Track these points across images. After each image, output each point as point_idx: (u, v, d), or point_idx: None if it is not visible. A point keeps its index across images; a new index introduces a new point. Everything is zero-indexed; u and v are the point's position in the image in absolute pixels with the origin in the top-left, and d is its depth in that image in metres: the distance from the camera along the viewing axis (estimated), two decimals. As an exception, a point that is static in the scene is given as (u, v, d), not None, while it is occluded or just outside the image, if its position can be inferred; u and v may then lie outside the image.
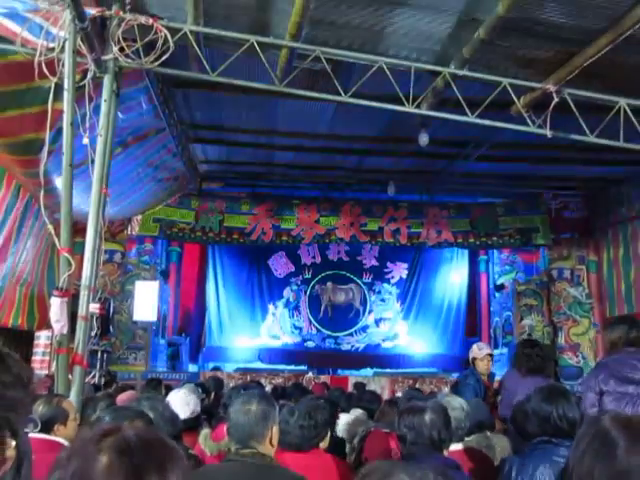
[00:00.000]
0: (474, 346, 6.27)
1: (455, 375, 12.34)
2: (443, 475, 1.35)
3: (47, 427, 3.25)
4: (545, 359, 6.30)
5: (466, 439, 3.80)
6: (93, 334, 5.65)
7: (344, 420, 5.20)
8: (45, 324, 8.93)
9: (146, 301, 11.64)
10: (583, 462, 1.68)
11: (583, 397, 3.75)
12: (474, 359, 6.02)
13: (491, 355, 6.19)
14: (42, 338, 10.21)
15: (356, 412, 5.48)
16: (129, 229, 11.99)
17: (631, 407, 3.68)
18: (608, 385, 3.69)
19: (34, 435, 3.13)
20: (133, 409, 2.98)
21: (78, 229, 5.25)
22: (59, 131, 5.14)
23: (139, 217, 11.86)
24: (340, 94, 6.06)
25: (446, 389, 9.72)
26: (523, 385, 5.02)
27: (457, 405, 3.55)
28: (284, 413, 3.27)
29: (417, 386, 11.50)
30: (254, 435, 2.62)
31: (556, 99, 6.22)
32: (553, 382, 4.55)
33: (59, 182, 6.14)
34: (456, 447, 3.50)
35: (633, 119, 6.28)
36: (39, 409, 3.27)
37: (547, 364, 6.61)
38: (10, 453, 1.36)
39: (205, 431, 4.69)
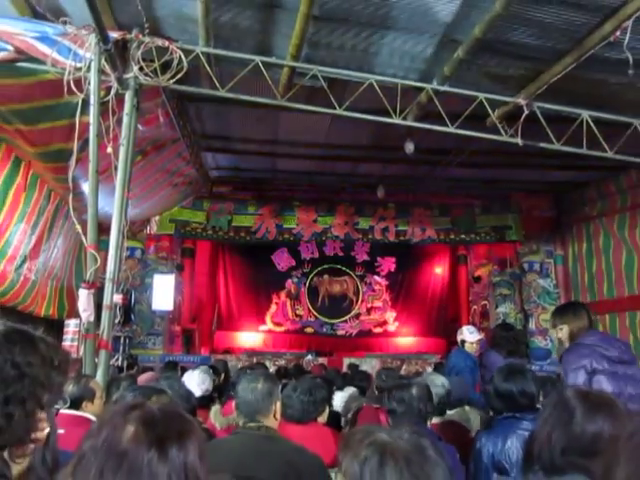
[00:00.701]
0: (464, 329, 6.02)
1: (437, 357, 12.39)
2: (417, 433, 1.37)
3: (76, 404, 3.26)
4: (519, 342, 6.46)
5: (448, 412, 3.83)
6: (117, 322, 5.63)
7: (339, 397, 5.23)
8: (73, 313, 8.93)
9: (163, 292, 11.65)
10: (544, 428, 1.70)
11: (571, 375, 3.50)
12: (463, 341, 5.86)
13: (480, 341, 6.02)
14: (71, 325, 10.20)
15: (350, 390, 5.51)
16: (148, 228, 11.97)
17: (632, 388, 3.45)
18: (601, 364, 3.47)
19: (64, 411, 3.15)
20: (153, 387, 2.99)
21: (103, 229, 5.25)
22: (86, 141, 5.13)
23: (157, 218, 11.86)
24: (335, 108, 6.06)
25: (429, 369, 9.73)
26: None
27: (439, 383, 3.57)
28: (288, 389, 3.30)
29: (404, 366, 11.56)
30: (260, 410, 2.63)
31: (526, 111, 6.22)
32: (515, 361, 4.46)
33: (86, 187, 6.14)
34: (436, 420, 3.53)
35: (594, 129, 6.28)
36: (69, 388, 3.28)
37: (520, 346, 6.66)
38: (44, 430, 1.37)
39: (216, 407, 4.72)
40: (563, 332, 3.78)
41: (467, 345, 5.85)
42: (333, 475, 2.67)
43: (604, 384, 3.38)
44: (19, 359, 1.29)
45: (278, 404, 2.71)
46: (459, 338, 5.95)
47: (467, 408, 3.98)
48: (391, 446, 1.30)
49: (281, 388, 3.11)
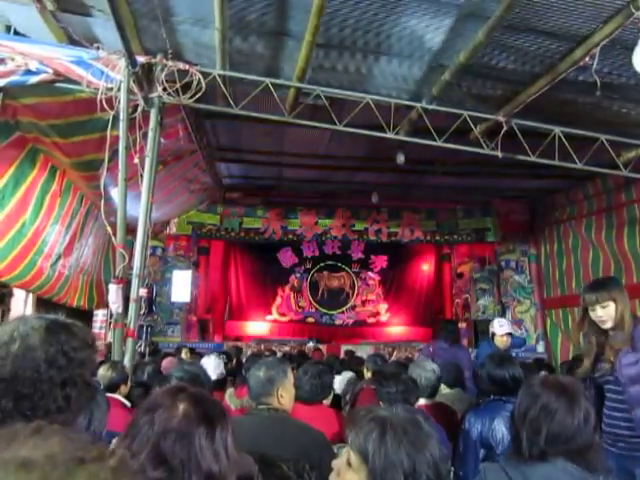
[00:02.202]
0: (495, 321, 5.41)
1: (424, 344, 12.40)
2: (411, 411, 1.40)
3: (115, 387, 3.28)
4: (458, 333, 6.50)
5: (444, 392, 3.84)
6: (141, 313, 5.65)
7: (338, 380, 5.23)
8: (102, 304, 8.96)
9: (181, 286, 11.64)
10: (521, 403, 1.72)
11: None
12: (493, 334, 5.29)
13: (510, 334, 5.32)
14: (99, 315, 10.23)
15: (347, 374, 5.50)
16: (168, 229, 11.98)
17: None
18: None
19: (100, 393, 3.17)
20: (192, 371, 2.98)
21: (128, 230, 5.27)
22: (114, 152, 5.15)
23: (176, 220, 11.87)
24: (336, 124, 6.07)
25: (417, 354, 9.73)
26: (448, 352, 5.80)
27: (429, 368, 3.57)
28: (299, 372, 3.29)
29: (395, 353, 11.56)
30: (261, 394, 2.65)
31: (505, 127, 6.25)
32: (496, 352, 4.26)
33: (114, 193, 6.17)
34: (427, 402, 3.53)
35: (566, 143, 6.29)
36: (108, 373, 3.30)
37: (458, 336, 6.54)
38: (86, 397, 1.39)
39: (230, 390, 4.73)
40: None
41: (496, 338, 5.28)
42: (336, 449, 2.69)
43: None
44: (66, 347, 1.31)
45: (281, 389, 2.71)
46: (490, 330, 5.42)
47: (458, 390, 3.99)
48: (390, 420, 1.33)
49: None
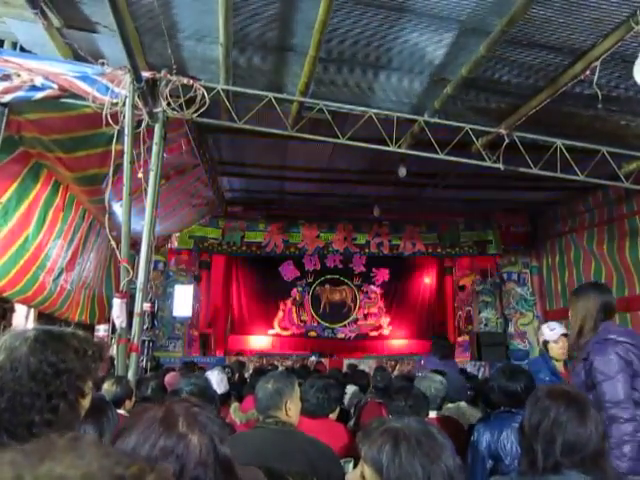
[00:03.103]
0: (544, 327, 4.22)
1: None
2: (422, 422, 1.40)
3: (120, 402, 3.26)
4: (450, 349, 6.53)
5: (449, 405, 3.82)
6: (145, 327, 5.64)
7: (343, 394, 5.21)
8: (103, 319, 8.93)
9: (183, 300, 11.64)
10: (531, 417, 1.72)
11: (614, 380, 2.65)
12: (546, 342, 4.13)
13: (566, 335, 4.01)
14: (101, 330, 10.18)
15: (351, 388, 5.48)
16: (169, 244, 12.00)
17: None
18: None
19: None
20: (200, 385, 2.97)
21: (130, 244, 5.27)
22: (117, 167, 5.17)
23: (177, 234, 11.89)
24: (339, 137, 6.10)
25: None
26: (438, 367, 5.51)
27: (437, 379, 3.56)
28: (306, 385, 3.27)
29: (397, 367, 11.50)
30: (270, 407, 2.63)
31: (507, 140, 6.28)
32: (551, 365, 4.03)
33: (117, 207, 6.18)
34: (433, 414, 3.51)
35: (567, 155, 6.32)
36: (113, 388, 3.28)
37: (451, 352, 6.59)
38: (82, 409, 1.37)
39: (235, 404, 4.70)
40: (570, 317, 2.96)
41: (550, 346, 4.05)
42: (342, 463, 2.67)
43: None
44: (53, 358, 1.29)
45: (289, 402, 2.70)
46: (541, 340, 4.23)
47: (462, 404, 3.97)
48: (403, 431, 1.32)
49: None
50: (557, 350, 3.99)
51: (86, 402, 1.37)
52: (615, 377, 2.67)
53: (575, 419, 1.64)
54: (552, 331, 4.08)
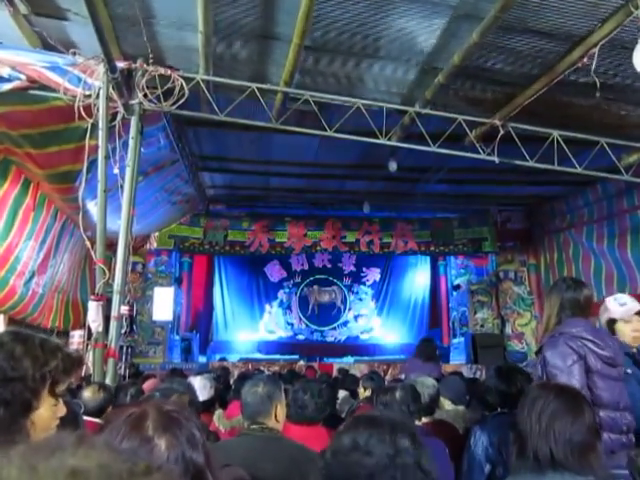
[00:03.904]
0: (610, 301, 3.22)
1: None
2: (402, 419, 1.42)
3: (103, 410, 3.24)
4: (435, 351, 6.68)
5: (448, 409, 3.83)
6: (123, 332, 5.61)
7: (333, 399, 5.21)
8: (78, 324, 8.87)
9: (163, 304, 11.56)
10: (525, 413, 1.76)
11: (564, 375, 2.63)
12: (612, 321, 3.18)
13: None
14: (76, 336, 10.10)
15: (341, 393, 5.48)
16: (148, 244, 11.93)
17: (624, 398, 2.69)
18: (595, 364, 2.66)
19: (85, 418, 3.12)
20: (176, 389, 2.97)
21: (106, 245, 5.24)
22: (91, 163, 5.14)
23: (157, 234, 11.82)
24: (326, 130, 6.11)
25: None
26: (423, 369, 5.83)
27: (429, 384, 3.56)
28: (299, 391, 3.24)
29: (390, 370, 11.53)
30: (261, 412, 2.61)
31: (502, 132, 6.33)
32: (506, 365, 4.22)
33: (91, 206, 6.14)
34: (426, 419, 3.53)
35: (564, 147, 6.38)
36: (97, 395, 3.26)
37: (436, 354, 6.83)
38: (34, 425, 1.36)
39: (219, 411, 4.69)
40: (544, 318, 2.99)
41: (620, 328, 3.14)
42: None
43: (602, 390, 2.64)
44: (4, 363, 1.28)
45: (279, 407, 2.70)
46: (603, 319, 3.26)
47: (461, 408, 3.98)
48: (378, 417, 1.36)
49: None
50: (629, 333, 3.09)
51: (40, 418, 1.35)
52: (566, 370, 2.66)
53: (569, 412, 1.68)
54: (623, 307, 3.14)
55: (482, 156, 6.53)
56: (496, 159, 6.41)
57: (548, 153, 6.43)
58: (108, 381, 4.63)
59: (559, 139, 6.39)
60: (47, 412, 1.36)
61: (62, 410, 1.40)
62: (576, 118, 6.46)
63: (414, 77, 5.85)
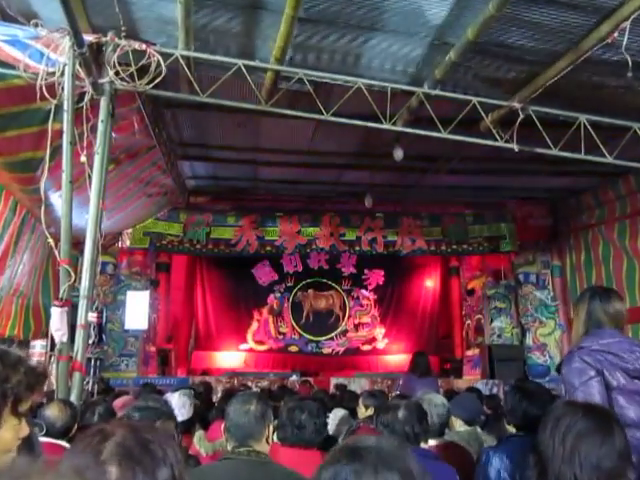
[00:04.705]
0: None
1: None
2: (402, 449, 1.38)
3: (68, 431, 3.26)
4: (429, 366, 7.15)
5: (460, 430, 3.86)
6: (90, 342, 5.61)
7: (329, 420, 5.24)
8: (40, 333, 8.85)
9: (137, 310, 11.57)
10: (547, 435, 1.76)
11: (583, 389, 2.74)
12: None
13: None
14: (37, 347, 10.09)
15: (339, 412, 5.50)
16: (120, 242, 11.92)
17: None
18: (616, 379, 2.74)
19: (43, 439, 3.14)
20: (160, 409, 2.92)
21: (73, 243, 5.24)
22: (56, 149, 5.14)
23: (130, 230, 11.81)
24: (322, 113, 6.12)
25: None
26: (420, 384, 6.19)
27: (439, 402, 3.58)
28: (296, 410, 3.21)
29: (395, 386, 11.56)
30: (253, 434, 2.62)
31: (521, 116, 6.34)
32: (521, 381, 4.24)
33: (55, 198, 6.13)
34: (435, 442, 3.55)
35: (592, 133, 6.40)
36: (62, 414, 3.28)
37: (430, 369, 7.08)
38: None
39: (199, 432, 4.72)
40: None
41: None
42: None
43: (625, 408, 2.69)
44: None
45: (271, 427, 2.72)
46: None
47: (475, 429, 4.01)
48: (365, 448, 1.30)
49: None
50: None
51: (1, 440, 1.36)
52: (582, 387, 2.76)
53: (593, 431, 1.70)
54: None
55: (499, 143, 6.55)
56: (515, 147, 6.43)
57: (574, 140, 6.45)
58: (73, 398, 4.63)
59: (586, 124, 6.42)
60: (8, 433, 1.37)
61: (25, 430, 1.42)
62: (606, 101, 6.49)
63: (422, 54, 5.86)
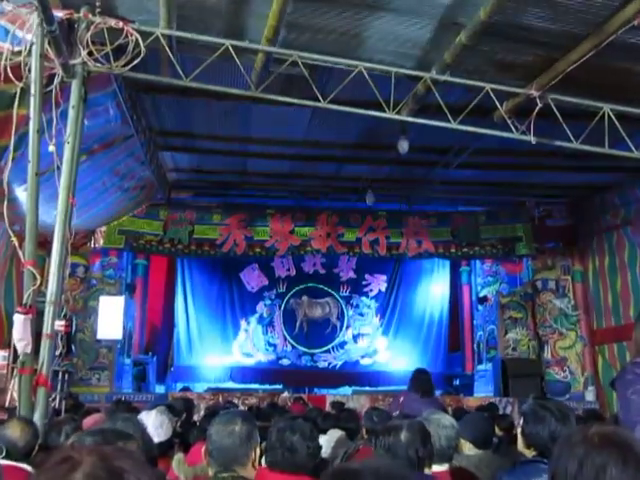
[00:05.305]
0: None
1: (438, 393, 12.43)
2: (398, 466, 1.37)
3: (29, 452, 3.24)
4: (432, 384, 7.11)
5: (469, 453, 3.85)
6: (57, 353, 5.60)
7: (323, 441, 5.21)
8: (2, 342, 8.84)
9: (110, 318, 11.52)
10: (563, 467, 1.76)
11: (625, 403, 2.82)
12: None
13: None
14: (-2, 358, 10.08)
15: (335, 433, 5.49)
16: (93, 241, 11.90)
17: None
18: None
19: (2, 462, 3.13)
20: (120, 431, 2.90)
21: (39, 242, 5.23)
22: (21, 138, 5.13)
23: (103, 229, 11.79)
24: (319, 100, 6.13)
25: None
26: (422, 404, 6.13)
27: (447, 423, 3.55)
28: (286, 430, 3.19)
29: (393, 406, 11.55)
30: (238, 457, 2.61)
31: (539, 105, 6.37)
32: (541, 398, 4.23)
33: (20, 191, 6.13)
34: (443, 467, 3.54)
35: (618, 125, 6.43)
36: (24, 434, 3.26)
37: (432, 387, 7.19)
38: None
39: (178, 455, 4.69)
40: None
41: None
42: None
43: None
44: None
45: (257, 450, 2.71)
46: None
47: (487, 453, 4.01)
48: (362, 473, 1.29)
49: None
50: None
51: None
52: (625, 400, 2.86)
53: (615, 461, 1.69)
54: None
55: (515, 135, 6.57)
56: (532, 139, 6.45)
57: (597, 132, 6.48)
58: (37, 416, 4.62)
59: (611, 115, 6.44)
60: None
61: None
62: (631, 89, 6.51)
63: (430, 35, 5.88)
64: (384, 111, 6.29)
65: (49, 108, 5.00)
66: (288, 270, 15.66)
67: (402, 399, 6.95)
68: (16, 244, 4.96)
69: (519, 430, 3.07)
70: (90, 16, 5.17)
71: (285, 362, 15.60)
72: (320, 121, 8.07)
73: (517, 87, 6.44)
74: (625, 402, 2.86)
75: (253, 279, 15.68)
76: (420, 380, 7.09)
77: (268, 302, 15.79)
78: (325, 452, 5.04)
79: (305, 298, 15.82)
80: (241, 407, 9.94)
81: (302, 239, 12.66)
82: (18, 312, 4.76)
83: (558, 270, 12.58)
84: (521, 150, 7.91)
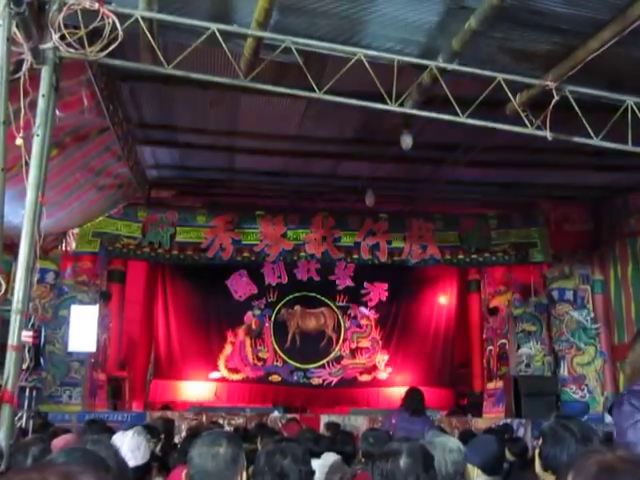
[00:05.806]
0: None
1: (443, 413, 12.44)
2: None
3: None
4: (422, 402, 7.38)
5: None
6: (25, 367, 5.59)
7: (317, 466, 5.20)
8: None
9: (83, 329, 11.52)
10: None
11: (624, 434, 2.84)
12: None
13: None
14: (-40, 373, 10.05)
15: (330, 457, 5.49)
16: (64, 244, 11.89)
17: None
18: None
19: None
20: (92, 453, 2.87)
21: (5, 245, 5.22)
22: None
23: (76, 231, 11.79)
24: (314, 90, 6.13)
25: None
26: (414, 424, 6.59)
27: (454, 447, 3.54)
28: (277, 454, 3.18)
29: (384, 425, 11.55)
30: None
31: (556, 97, 6.37)
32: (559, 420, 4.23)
33: (-16, 189, 6.12)
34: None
35: (641, 120, 6.47)
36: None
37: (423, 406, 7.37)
38: None
39: (157, 480, 4.69)
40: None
41: None
42: None
43: None
44: None
45: (244, 475, 2.71)
46: None
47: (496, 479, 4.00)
48: None
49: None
50: None
51: None
52: (624, 432, 2.84)
53: None
54: None
55: (529, 130, 6.58)
56: (548, 134, 6.47)
57: (619, 127, 6.49)
58: (2, 436, 4.62)
59: (635, 108, 6.46)
60: None
61: None
62: (658, 81, 6.53)
63: (437, 20, 5.88)
64: (386, 103, 6.29)
65: (17, 97, 5.00)
66: (279, 277, 15.69)
67: (394, 420, 7.25)
68: (-21, 247, 4.96)
69: (537, 451, 3.08)
70: (62, -4, 5.17)
71: (275, 378, 15.61)
72: (315, 114, 8.08)
73: (532, 78, 6.44)
74: (622, 433, 2.88)
75: (241, 287, 15.70)
76: (411, 399, 7.36)
77: (257, 312, 15.80)
78: (319, 478, 5.04)
79: (298, 308, 15.84)
80: (227, 428, 9.93)
81: (295, 243, 12.68)
82: (-19, 322, 4.77)
83: (576, 279, 12.60)
84: (536, 147, 7.92)
